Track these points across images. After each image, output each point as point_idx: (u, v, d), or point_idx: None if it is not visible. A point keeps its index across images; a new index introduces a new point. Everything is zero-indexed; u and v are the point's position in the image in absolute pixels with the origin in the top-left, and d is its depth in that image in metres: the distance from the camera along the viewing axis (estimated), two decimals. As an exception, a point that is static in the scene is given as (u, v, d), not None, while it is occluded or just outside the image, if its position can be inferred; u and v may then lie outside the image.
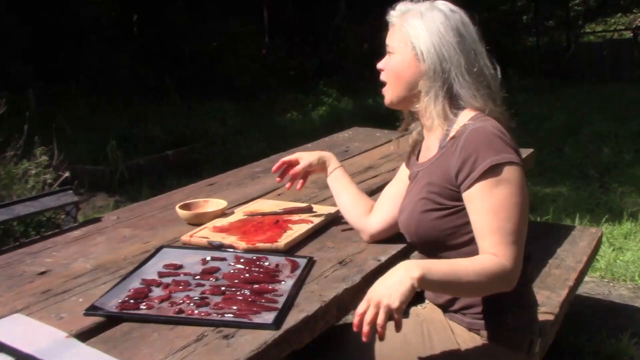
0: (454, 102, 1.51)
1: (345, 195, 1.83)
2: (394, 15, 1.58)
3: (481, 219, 1.42)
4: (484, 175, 1.41)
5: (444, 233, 1.50)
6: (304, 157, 1.88)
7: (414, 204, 1.55)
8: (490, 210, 1.41)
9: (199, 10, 11.46)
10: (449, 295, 1.51)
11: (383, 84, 1.62)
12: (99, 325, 1.31)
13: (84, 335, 1.26)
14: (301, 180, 1.90)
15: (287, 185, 1.92)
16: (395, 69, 1.57)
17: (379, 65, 1.62)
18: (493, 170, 1.41)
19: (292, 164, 1.88)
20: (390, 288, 1.28)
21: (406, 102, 1.59)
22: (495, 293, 1.50)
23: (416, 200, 1.55)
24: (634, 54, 12.93)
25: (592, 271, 3.50)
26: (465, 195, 1.45)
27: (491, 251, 1.39)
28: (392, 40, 1.57)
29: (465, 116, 1.50)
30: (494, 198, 1.41)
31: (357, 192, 1.84)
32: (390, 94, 1.60)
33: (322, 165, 1.87)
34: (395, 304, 1.26)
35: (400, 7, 1.58)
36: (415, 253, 1.71)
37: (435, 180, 1.52)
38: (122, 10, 12.22)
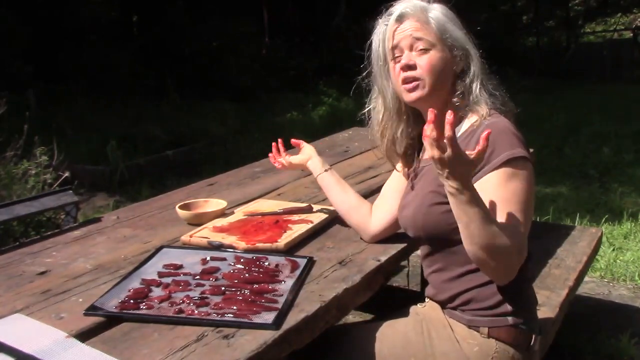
0: (479, 97, 1.53)
1: (343, 196, 1.83)
2: (415, 10, 1.53)
3: (492, 207, 1.42)
4: (499, 168, 1.43)
5: (451, 227, 1.48)
6: (307, 151, 1.92)
7: (422, 197, 1.55)
8: (501, 199, 1.42)
9: (199, 11, 11.46)
10: (464, 223, 1.39)
11: (411, 80, 1.53)
12: (99, 325, 1.31)
13: (84, 335, 1.26)
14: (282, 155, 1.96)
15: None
16: (439, 66, 1.52)
17: (410, 62, 1.52)
18: (508, 164, 1.43)
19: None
20: None
21: (436, 99, 1.55)
22: (497, 291, 1.51)
23: (424, 194, 1.55)
24: (634, 54, 12.95)
25: (592, 271, 3.50)
26: (477, 185, 1.45)
27: None
28: (424, 35, 1.51)
29: (478, 113, 1.52)
30: (507, 189, 1.42)
31: (354, 194, 1.84)
32: (427, 90, 1.52)
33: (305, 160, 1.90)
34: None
35: (414, 2, 1.55)
36: (419, 251, 1.71)
37: None
38: (122, 10, 12.21)
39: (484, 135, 1.28)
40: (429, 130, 1.26)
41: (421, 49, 1.52)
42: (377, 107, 1.67)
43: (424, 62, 1.52)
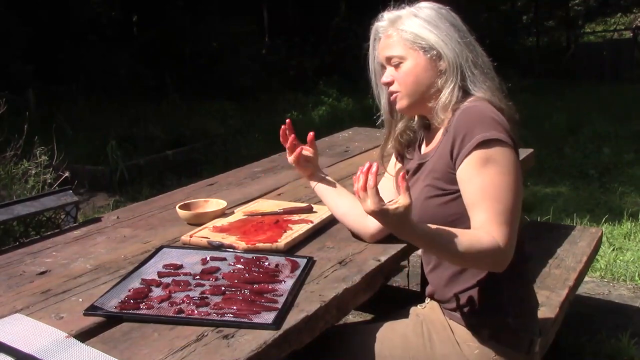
0: (466, 97, 1.51)
1: (339, 200, 1.80)
2: (384, 27, 1.56)
3: (471, 198, 1.41)
4: (473, 151, 1.41)
5: (448, 220, 1.48)
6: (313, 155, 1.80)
7: (419, 192, 1.55)
8: (479, 188, 1.40)
9: (199, 11, 11.46)
10: (435, 254, 1.47)
11: (392, 93, 1.58)
12: (99, 325, 1.31)
13: (84, 335, 1.26)
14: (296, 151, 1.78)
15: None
16: (412, 75, 1.53)
17: (386, 79, 1.57)
18: (482, 146, 1.40)
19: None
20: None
21: (423, 104, 1.57)
22: (497, 293, 1.51)
23: (420, 188, 1.55)
24: (634, 54, 12.92)
25: (592, 271, 3.50)
26: (457, 174, 1.45)
27: (483, 229, 1.38)
28: (395, 50, 1.53)
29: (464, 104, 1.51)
30: (483, 176, 1.40)
31: (349, 195, 1.81)
32: (407, 100, 1.56)
33: (312, 164, 1.81)
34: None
35: (386, 16, 1.56)
36: (420, 249, 1.70)
37: (437, 166, 1.52)
38: (122, 10, 12.22)
39: (401, 175, 1.29)
40: (355, 185, 1.29)
41: (395, 64, 1.55)
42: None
43: (399, 76, 1.55)
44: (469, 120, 1.44)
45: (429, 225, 1.34)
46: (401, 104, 1.58)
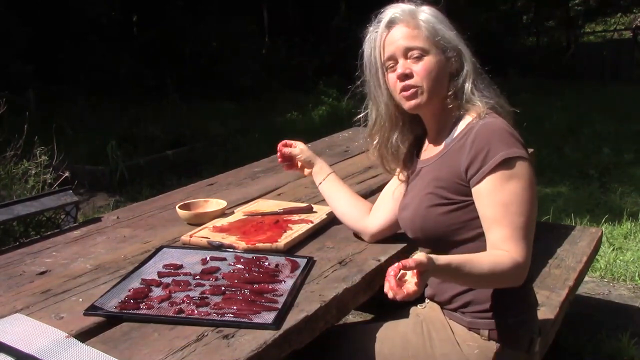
0: (472, 97, 1.52)
1: (340, 198, 1.82)
2: (403, 16, 1.52)
3: (492, 213, 1.42)
4: (495, 169, 1.41)
5: (450, 228, 1.49)
6: (300, 146, 1.88)
7: (420, 199, 1.55)
8: (501, 203, 1.41)
9: (199, 11, 11.46)
10: (460, 284, 1.50)
11: (409, 88, 1.51)
12: (99, 325, 1.31)
13: (84, 335, 1.26)
14: (286, 164, 1.91)
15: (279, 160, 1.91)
16: (436, 70, 1.50)
17: (406, 70, 1.49)
18: (505, 164, 1.41)
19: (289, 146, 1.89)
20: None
21: (438, 102, 1.54)
22: (497, 292, 1.51)
23: (422, 196, 1.55)
24: (634, 54, 12.94)
25: (592, 271, 3.50)
26: (476, 189, 1.45)
27: (502, 246, 1.40)
28: (418, 41, 1.49)
29: (474, 113, 1.51)
30: (505, 192, 1.41)
31: (351, 194, 1.84)
32: (427, 96, 1.50)
33: (307, 164, 1.87)
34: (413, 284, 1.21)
35: (402, 7, 1.54)
36: (418, 250, 1.71)
37: (442, 175, 1.52)
38: (122, 10, 12.22)
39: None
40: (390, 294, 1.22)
41: (416, 57, 1.50)
42: (370, 113, 1.66)
43: (420, 69, 1.49)
44: (490, 137, 1.44)
45: (452, 261, 1.33)
46: (421, 98, 1.51)
